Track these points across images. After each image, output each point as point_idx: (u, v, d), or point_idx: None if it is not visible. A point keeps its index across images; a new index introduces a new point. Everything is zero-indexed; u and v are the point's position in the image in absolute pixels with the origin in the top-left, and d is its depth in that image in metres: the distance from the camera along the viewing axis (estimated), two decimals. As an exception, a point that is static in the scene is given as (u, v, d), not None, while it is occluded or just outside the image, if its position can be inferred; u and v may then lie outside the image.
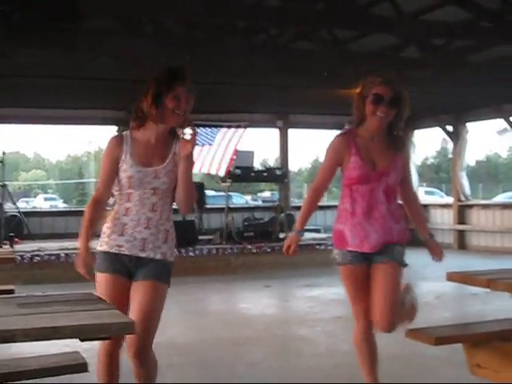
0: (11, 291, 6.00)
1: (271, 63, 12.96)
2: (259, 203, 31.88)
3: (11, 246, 11.97)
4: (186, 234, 12.48)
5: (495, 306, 8.34)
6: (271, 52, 12.65)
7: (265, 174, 15.26)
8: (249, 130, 15.85)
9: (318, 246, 13.39)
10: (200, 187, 15.21)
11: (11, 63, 11.02)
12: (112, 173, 4.01)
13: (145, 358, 4.00)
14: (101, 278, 4.06)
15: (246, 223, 13.93)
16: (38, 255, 11.62)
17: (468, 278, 4.43)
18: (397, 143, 4.41)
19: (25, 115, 15.85)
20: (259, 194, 45.83)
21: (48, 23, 7.97)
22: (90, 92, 13.98)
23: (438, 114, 17.51)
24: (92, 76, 12.24)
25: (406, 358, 5.91)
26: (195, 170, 16.65)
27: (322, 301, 9.56)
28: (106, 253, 4.08)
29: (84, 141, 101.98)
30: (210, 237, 13.31)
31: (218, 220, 15.11)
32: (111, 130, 16.59)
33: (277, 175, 14.85)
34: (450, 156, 18.52)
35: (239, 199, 36.35)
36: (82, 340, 3.18)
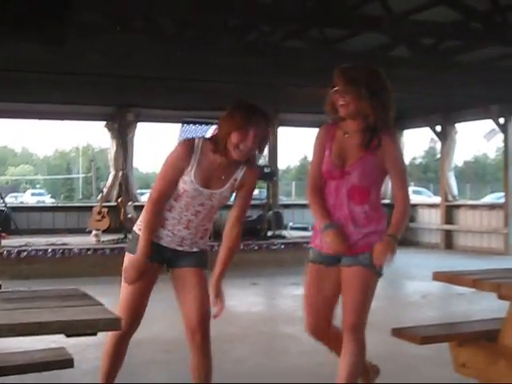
0: (-3, 286, 5.99)
1: (262, 61, 12.96)
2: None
3: (-2, 241, 11.95)
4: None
5: (481, 306, 8.37)
6: (262, 50, 12.64)
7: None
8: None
9: (305, 245, 13.37)
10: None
11: (-1, 57, 10.99)
12: (174, 183, 4.03)
13: (207, 345, 4.13)
14: (134, 259, 4.08)
15: (233, 220, 13.89)
16: (24, 250, 11.57)
17: (454, 278, 4.45)
18: (371, 141, 4.04)
19: (13, 110, 15.81)
20: (247, 192, 45.74)
21: (37, 17, 7.93)
22: (79, 87, 13.94)
23: (427, 114, 17.55)
24: (81, 71, 12.19)
25: (391, 357, 5.92)
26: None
27: (309, 299, 9.57)
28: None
29: (72, 136, 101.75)
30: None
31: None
32: (99, 126, 16.56)
33: (265, 173, 14.84)
34: (439, 156, 18.55)
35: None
36: (68, 336, 3.17)
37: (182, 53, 11.62)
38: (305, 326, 4.37)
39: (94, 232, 12.86)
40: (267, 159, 17.38)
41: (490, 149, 64.52)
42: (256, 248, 12.74)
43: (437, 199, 21.34)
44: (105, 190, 15.97)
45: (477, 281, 4.16)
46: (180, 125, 16.50)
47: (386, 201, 14.62)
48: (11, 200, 33.19)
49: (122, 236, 12.89)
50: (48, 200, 43.39)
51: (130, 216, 14.25)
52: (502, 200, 16.91)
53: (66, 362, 4.12)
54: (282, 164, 53.55)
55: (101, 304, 3.54)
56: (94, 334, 3.25)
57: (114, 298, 8.22)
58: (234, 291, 10.15)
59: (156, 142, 73.40)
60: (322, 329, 4.27)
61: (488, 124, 16.45)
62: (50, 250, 11.58)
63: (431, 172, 54.64)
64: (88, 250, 11.83)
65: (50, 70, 11.96)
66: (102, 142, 57.28)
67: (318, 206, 4.20)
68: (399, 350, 5.64)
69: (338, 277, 4.18)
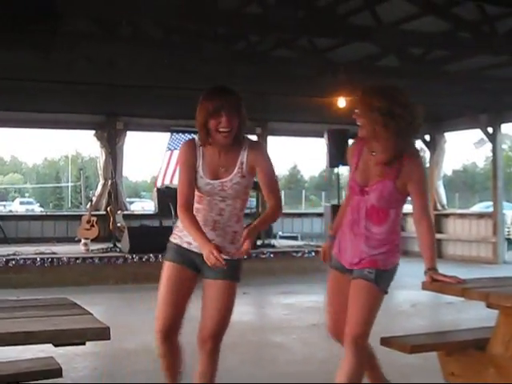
0: (-15, 295, 5.96)
1: (251, 70, 12.98)
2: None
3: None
4: (163, 240, 12.41)
5: (470, 315, 8.38)
6: (251, 59, 12.66)
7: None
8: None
9: (294, 254, 13.39)
10: (176, 194, 15.17)
11: (-13, 66, 10.96)
12: (192, 182, 4.13)
13: (216, 353, 4.19)
14: (168, 266, 4.25)
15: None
16: (13, 259, 11.52)
17: (443, 287, 4.44)
18: (393, 162, 4.06)
19: (1, 118, 15.75)
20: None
21: (24, 25, 7.92)
22: (68, 96, 13.92)
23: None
24: (69, 79, 12.19)
25: (381, 366, 5.92)
26: (175, 182, 16.59)
27: (298, 308, 9.56)
28: (177, 245, 4.26)
29: (62, 145, 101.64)
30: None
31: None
32: (88, 134, 16.53)
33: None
34: (427, 165, 18.60)
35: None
36: (56, 345, 3.16)
37: (170, 61, 11.63)
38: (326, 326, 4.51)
39: (83, 241, 12.82)
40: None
41: (478, 158, 64.83)
42: (245, 257, 12.73)
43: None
44: (94, 199, 15.94)
45: (465, 290, 4.16)
46: (169, 134, 16.51)
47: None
48: (0, 209, 33.06)
49: (111, 245, 12.86)
50: (37, 209, 43.27)
51: (119, 225, 14.23)
52: (491, 209, 16.95)
53: (55, 372, 4.10)
54: (271, 173, 53.52)
55: (89, 313, 3.53)
56: (83, 344, 3.24)
57: (102, 308, 8.18)
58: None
59: (145, 151, 73.36)
60: (341, 331, 4.25)
61: (477, 133, 16.51)
62: (38, 259, 11.54)
63: (420, 181, 54.60)
64: (77, 258, 11.79)
65: (39, 79, 11.96)
66: (92, 151, 57.28)
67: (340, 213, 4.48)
68: (389, 359, 5.62)
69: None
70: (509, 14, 10.82)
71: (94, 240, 13.81)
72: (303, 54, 13.26)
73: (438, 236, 17.41)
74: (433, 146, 17.71)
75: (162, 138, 16.84)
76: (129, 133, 16.62)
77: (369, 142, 4.15)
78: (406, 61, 12.92)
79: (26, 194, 63.03)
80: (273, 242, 14.45)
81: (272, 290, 11.22)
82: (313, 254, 13.44)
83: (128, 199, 18.57)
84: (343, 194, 27.09)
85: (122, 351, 6.64)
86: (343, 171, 15.52)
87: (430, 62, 12.98)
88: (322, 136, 14.83)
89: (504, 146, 22.20)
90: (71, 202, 57.53)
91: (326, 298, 4.56)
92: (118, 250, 12.58)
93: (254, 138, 17.31)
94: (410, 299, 9.76)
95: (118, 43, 12.04)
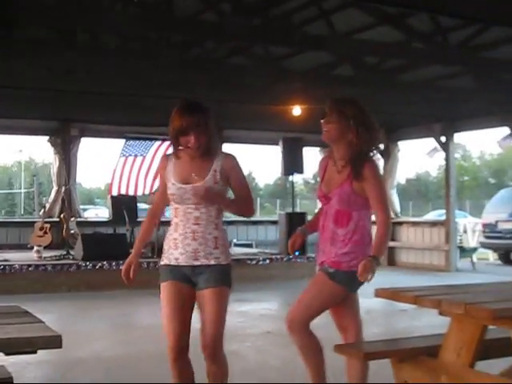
0: None
1: (205, 78, 12.96)
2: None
3: None
4: (117, 248, 12.37)
5: (422, 322, 8.46)
6: (206, 66, 12.65)
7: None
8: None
9: (249, 261, 13.39)
10: (132, 200, 15.10)
11: None
12: (164, 189, 4.41)
13: (217, 357, 4.35)
14: (164, 286, 4.37)
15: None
16: (-36, 267, 11.37)
17: (396, 295, 4.48)
18: (352, 169, 4.47)
19: (-47, 123, 15.55)
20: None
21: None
22: (22, 101, 13.78)
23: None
24: (24, 85, 12.07)
25: (334, 373, 5.94)
26: (130, 192, 16.51)
27: (253, 316, 9.56)
28: (166, 265, 4.39)
29: (14, 150, 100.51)
30: (142, 250, 13.20)
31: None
32: (42, 140, 16.37)
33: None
34: (381, 173, 18.75)
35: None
36: (7, 354, 3.13)
37: (126, 68, 11.58)
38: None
39: (35, 248, 12.69)
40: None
41: (431, 167, 65.48)
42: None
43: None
44: (47, 206, 15.78)
45: (418, 297, 4.20)
46: (123, 140, 16.44)
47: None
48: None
49: (64, 252, 12.75)
50: (-12, 216, 42.70)
51: (72, 232, 14.10)
52: (444, 217, 17.13)
53: (6, 381, 4.04)
54: (226, 180, 53.54)
55: (41, 321, 3.50)
56: (34, 352, 3.21)
57: (55, 316, 8.11)
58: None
59: (100, 158, 72.90)
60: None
61: (430, 142, 16.69)
62: (-11, 267, 11.40)
63: (374, 189, 55.01)
64: (29, 266, 11.66)
65: (-7, 84, 11.82)
66: (45, 157, 56.70)
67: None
68: (343, 366, 5.65)
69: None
70: (461, 26, 10.98)
71: (47, 247, 13.67)
72: (258, 62, 13.29)
73: (392, 244, 17.58)
74: (386, 154, 17.86)
75: (116, 145, 16.76)
76: (83, 139, 16.50)
77: (333, 157, 4.62)
78: (360, 70, 13.02)
79: (-22, 201, 62.23)
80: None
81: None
82: (267, 261, 13.46)
83: (82, 206, 18.42)
84: (298, 201, 27.17)
85: (75, 359, 6.59)
86: (297, 179, 15.57)
87: (385, 72, 13.10)
88: (277, 144, 14.88)
89: (456, 155, 22.47)
90: (24, 209, 56.82)
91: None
92: (71, 257, 12.48)
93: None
94: (364, 306, 9.70)
95: (74, 50, 11.96)
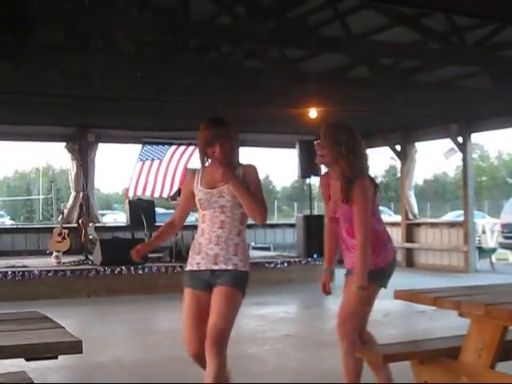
0: (-44, 310, 5.90)
1: (222, 81, 12.97)
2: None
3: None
4: (135, 252, 12.39)
5: (442, 324, 8.43)
6: (222, 70, 12.66)
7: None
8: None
9: (267, 265, 13.38)
10: (150, 205, 15.14)
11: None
12: (186, 202, 4.80)
13: (218, 352, 4.39)
14: (186, 292, 4.63)
15: (195, 241, 13.85)
16: (-17, 273, 11.41)
17: (415, 296, 4.47)
18: (344, 194, 4.83)
19: (-28, 131, 15.64)
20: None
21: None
22: (39, 108, 13.84)
23: (387, 134, 17.70)
24: (40, 92, 12.11)
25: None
26: (147, 193, 16.60)
27: (271, 319, 9.56)
28: (189, 271, 4.63)
29: (32, 157, 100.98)
30: (160, 255, 13.24)
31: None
32: (59, 146, 16.43)
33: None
34: (399, 175, 18.69)
35: (189, 217, 36.22)
36: (27, 359, 3.14)
37: (142, 73, 11.60)
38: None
39: (54, 254, 12.73)
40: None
41: (449, 167, 65.16)
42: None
43: (397, 218, 21.49)
44: (65, 211, 15.84)
45: (437, 299, 4.19)
46: (140, 145, 16.49)
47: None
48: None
49: (82, 257, 12.79)
50: (8, 221, 42.87)
51: (91, 237, 14.15)
52: (462, 218, 17.05)
53: (27, 387, 4.06)
54: (243, 184, 53.60)
55: (61, 327, 3.51)
56: (55, 358, 3.21)
57: (75, 321, 8.14)
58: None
59: (117, 163, 73.07)
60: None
61: (447, 143, 16.63)
62: (9, 273, 11.43)
63: (392, 191, 55.02)
64: (48, 272, 11.70)
65: (9, 90, 11.86)
66: (63, 163, 56.93)
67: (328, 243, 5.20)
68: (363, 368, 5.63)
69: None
70: (477, 25, 10.93)
71: (66, 253, 13.71)
72: (274, 65, 13.28)
73: (410, 245, 17.53)
74: (403, 155, 17.81)
75: (133, 150, 16.80)
76: (100, 145, 16.56)
77: (330, 174, 5.03)
78: (376, 71, 12.99)
79: (-3, 207, 62.52)
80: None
81: (245, 301, 11.12)
82: (285, 264, 13.45)
83: (100, 211, 18.46)
84: (315, 204, 27.13)
85: (95, 364, 6.61)
86: (315, 182, 15.54)
87: (401, 73, 13.06)
88: (293, 147, 14.86)
89: (474, 156, 22.34)
90: (42, 215, 57.07)
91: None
92: (89, 262, 12.51)
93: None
94: (382, 309, 9.77)
95: (91, 55, 12.00)
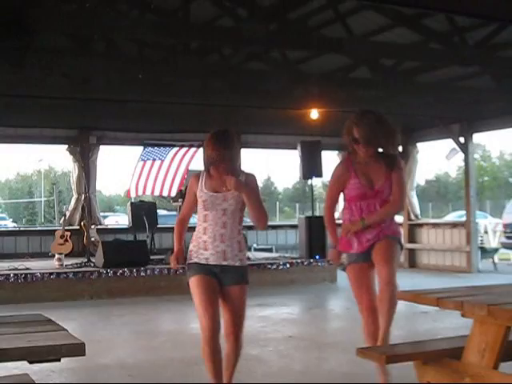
0: (-41, 313, 5.90)
1: (223, 83, 13.00)
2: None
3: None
4: (138, 254, 12.41)
5: (445, 324, 8.42)
6: (224, 72, 12.68)
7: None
8: (201, 149, 15.84)
9: (269, 266, 13.37)
10: (152, 207, 15.14)
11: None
12: (192, 201, 5.15)
13: (239, 341, 5.17)
14: (193, 279, 5.00)
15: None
16: (-14, 276, 11.40)
17: (418, 297, 4.47)
18: (389, 163, 5.33)
19: (-26, 133, 15.63)
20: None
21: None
22: (41, 110, 13.86)
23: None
24: (42, 94, 12.13)
25: (357, 377, 5.93)
26: (147, 192, 16.63)
27: (274, 320, 9.55)
28: (196, 263, 5.03)
29: (34, 159, 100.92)
30: (162, 256, 13.23)
31: (170, 240, 14.98)
32: (61, 149, 16.42)
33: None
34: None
35: (191, 219, 36.24)
36: (30, 362, 3.14)
37: (144, 75, 11.61)
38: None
39: (56, 256, 12.73)
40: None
41: (451, 168, 65.10)
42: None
43: (399, 218, 21.48)
44: (67, 214, 15.83)
45: (440, 299, 4.19)
46: (142, 147, 16.49)
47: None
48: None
49: (85, 260, 12.79)
50: (10, 224, 42.90)
51: (93, 239, 14.15)
52: (464, 218, 17.04)
53: (30, 389, 4.06)
54: (245, 185, 53.57)
55: (64, 329, 3.51)
56: (58, 360, 3.21)
57: (77, 323, 8.13)
58: (199, 313, 10.08)
59: (119, 165, 73.12)
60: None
61: (449, 143, 16.62)
62: (12, 275, 11.43)
63: (394, 191, 54.87)
64: (51, 274, 11.69)
65: (11, 93, 11.88)
66: (65, 166, 56.94)
67: (334, 223, 5.56)
68: (364, 370, 5.64)
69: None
70: (478, 26, 10.94)
71: (68, 255, 13.71)
72: (275, 67, 13.31)
73: (412, 246, 17.53)
74: (405, 156, 17.79)
75: (135, 152, 16.79)
76: (102, 147, 16.56)
77: (353, 157, 5.44)
78: (377, 72, 13.01)
79: (-1, 210, 62.52)
80: (247, 254, 14.42)
81: (247, 303, 11.18)
82: (287, 265, 13.45)
83: (102, 213, 18.47)
84: (317, 205, 27.10)
85: (98, 366, 6.61)
86: (316, 183, 15.54)
87: (402, 73, 13.08)
88: (295, 148, 14.87)
89: (476, 156, 22.36)
90: (44, 217, 57.11)
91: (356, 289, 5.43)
92: (92, 264, 12.51)
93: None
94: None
95: (92, 58, 12.02)
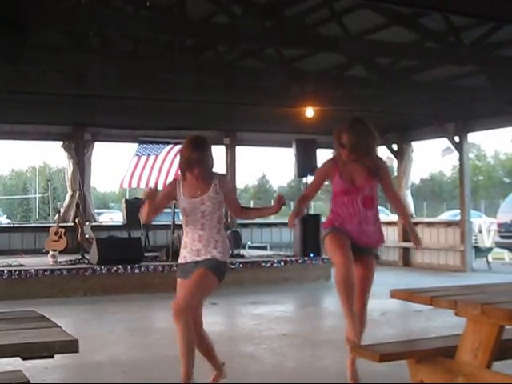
0: (-48, 309, 5.89)
1: (219, 80, 12.98)
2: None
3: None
4: (132, 251, 12.40)
5: (438, 323, 8.44)
6: (219, 69, 12.67)
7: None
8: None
9: (264, 264, 13.38)
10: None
11: (-46, 77, 10.86)
12: (164, 196, 5.46)
13: (183, 316, 5.11)
14: (178, 282, 5.36)
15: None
16: (-20, 272, 11.38)
17: (411, 296, 4.47)
18: (373, 169, 5.67)
19: (-32, 129, 15.60)
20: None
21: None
22: (35, 107, 13.84)
23: (384, 133, 17.66)
24: (37, 91, 12.11)
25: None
26: (141, 185, 16.65)
27: (268, 318, 9.55)
28: (180, 264, 5.40)
29: (29, 156, 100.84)
30: (156, 254, 13.23)
31: (164, 237, 15.02)
32: (56, 145, 16.40)
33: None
34: (395, 174, 18.70)
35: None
36: (24, 358, 3.13)
37: (139, 72, 11.60)
38: None
39: (50, 253, 12.71)
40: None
41: (445, 167, 65.21)
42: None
43: (394, 217, 21.46)
44: (62, 210, 15.81)
45: (434, 298, 4.19)
46: (137, 144, 16.49)
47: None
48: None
49: (79, 256, 12.78)
50: (4, 220, 42.81)
51: (87, 236, 14.13)
52: (458, 217, 17.07)
53: (23, 386, 4.05)
54: (239, 183, 53.57)
55: (58, 326, 3.51)
56: (51, 357, 3.21)
57: (71, 320, 8.11)
58: (193, 311, 10.07)
59: (114, 162, 73.12)
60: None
61: (444, 142, 16.64)
62: (5, 272, 11.42)
63: (388, 190, 54.94)
64: (45, 270, 11.68)
65: (6, 90, 11.86)
66: (59, 162, 56.85)
67: (305, 201, 6.21)
68: (358, 368, 5.64)
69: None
70: (474, 25, 10.94)
71: (62, 252, 13.69)
72: (271, 64, 13.30)
73: (407, 244, 17.53)
74: (400, 154, 17.83)
75: (130, 149, 16.78)
76: (97, 143, 16.54)
77: (339, 158, 5.79)
78: (373, 71, 13.01)
79: (-7, 206, 62.40)
80: (242, 252, 14.43)
81: (241, 300, 11.21)
82: (282, 263, 13.45)
83: (96, 210, 18.46)
84: (312, 203, 27.10)
85: (91, 363, 6.60)
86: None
87: (398, 72, 13.08)
88: (290, 146, 14.86)
89: (470, 155, 22.38)
90: (39, 214, 57.00)
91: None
92: (86, 261, 12.50)
93: (222, 148, 17.34)
94: (379, 308, 9.78)
95: (87, 54, 12.00)
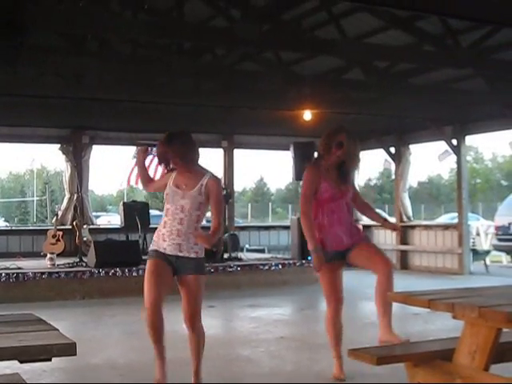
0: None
1: (217, 84, 12.99)
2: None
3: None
4: (130, 254, 12.39)
5: (436, 326, 8.44)
6: (217, 73, 12.68)
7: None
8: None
9: (261, 267, 13.37)
10: (144, 207, 15.12)
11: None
12: (159, 182, 5.87)
13: (196, 328, 5.55)
14: (150, 262, 5.48)
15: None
16: (-23, 275, 11.38)
17: (409, 299, 4.48)
18: (348, 179, 6.01)
19: (-34, 133, 15.59)
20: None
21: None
22: (33, 109, 13.84)
23: (381, 136, 17.70)
24: (35, 93, 12.11)
25: (348, 377, 5.94)
26: (133, 181, 16.62)
27: (266, 321, 9.55)
28: (155, 250, 5.48)
29: (26, 159, 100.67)
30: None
31: (162, 240, 15.00)
32: (54, 148, 16.38)
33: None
34: (393, 177, 18.71)
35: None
36: (21, 361, 3.13)
37: (137, 75, 11.60)
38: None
39: (48, 255, 12.70)
40: (222, 181, 17.36)
41: (443, 170, 65.27)
42: (212, 270, 12.64)
43: (392, 220, 21.49)
44: (59, 213, 15.81)
45: (432, 301, 4.19)
46: (135, 147, 16.48)
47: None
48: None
49: (77, 259, 12.77)
50: (2, 223, 42.79)
51: (85, 239, 14.12)
52: (456, 220, 17.07)
53: (21, 389, 4.05)
54: (237, 186, 53.58)
55: (55, 329, 3.51)
56: (49, 360, 3.21)
57: (69, 323, 8.12)
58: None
59: (112, 165, 73.05)
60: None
61: (441, 145, 16.64)
62: (3, 275, 11.40)
63: (386, 193, 55.11)
64: (43, 273, 11.67)
65: (3, 92, 11.86)
66: (57, 165, 56.86)
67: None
68: (356, 371, 5.65)
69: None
70: (472, 28, 10.96)
71: (60, 255, 13.68)
72: (269, 68, 13.31)
73: (404, 247, 17.55)
74: (398, 157, 17.83)
75: (128, 152, 16.77)
76: (95, 146, 16.53)
77: (322, 164, 6.01)
78: (371, 74, 13.02)
79: (-9, 209, 62.34)
80: (239, 254, 14.41)
81: (239, 303, 11.21)
82: (280, 266, 13.45)
83: (94, 213, 18.43)
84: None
85: (89, 366, 6.60)
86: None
87: (395, 75, 13.10)
88: (287, 149, 14.86)
89: (468, 158, 22.41)
90: (36, 217, 57.00)
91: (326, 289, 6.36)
92: (84, 264, 12.49)
93: (220, 151, 17.34)
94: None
95: (85, 57, 12.00)
